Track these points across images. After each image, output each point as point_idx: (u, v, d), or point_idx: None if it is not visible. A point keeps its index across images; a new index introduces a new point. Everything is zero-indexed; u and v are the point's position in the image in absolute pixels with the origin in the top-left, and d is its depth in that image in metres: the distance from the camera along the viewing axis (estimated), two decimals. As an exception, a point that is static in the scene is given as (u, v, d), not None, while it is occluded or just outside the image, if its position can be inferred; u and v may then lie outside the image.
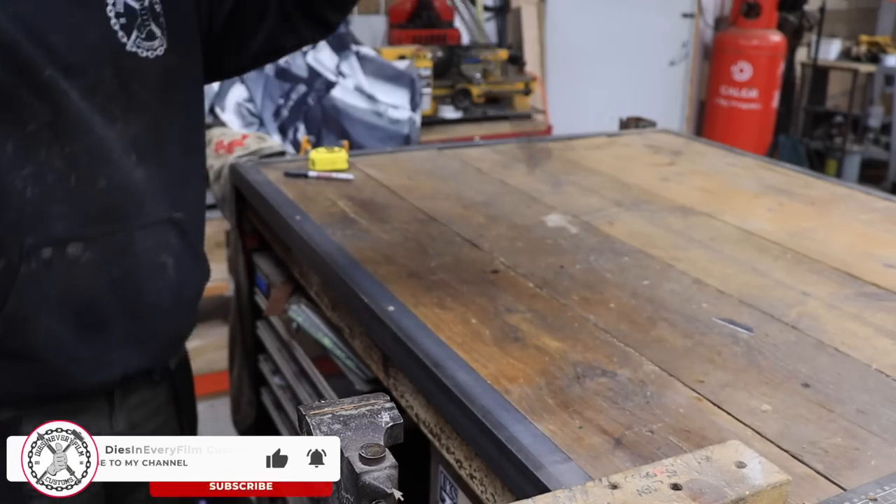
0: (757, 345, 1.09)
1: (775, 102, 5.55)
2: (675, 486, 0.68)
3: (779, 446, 0.87)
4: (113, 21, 1.07)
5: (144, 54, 1.10)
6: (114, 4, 1.07)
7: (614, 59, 5.24)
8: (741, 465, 0.71)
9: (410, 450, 0.77)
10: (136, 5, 1.09)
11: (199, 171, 1.29)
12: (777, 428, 0.90)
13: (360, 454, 0.61)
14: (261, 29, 1.23)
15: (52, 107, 1.03)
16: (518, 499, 0.75)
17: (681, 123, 5.71)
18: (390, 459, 0.61)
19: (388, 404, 0.69)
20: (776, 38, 5.38)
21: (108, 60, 1.07)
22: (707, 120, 5.71)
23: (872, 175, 5.61)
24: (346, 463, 0.61)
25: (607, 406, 0.94)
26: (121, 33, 1.07)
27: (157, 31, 1.11)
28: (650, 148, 2.18)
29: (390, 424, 0.67)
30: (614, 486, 0.68)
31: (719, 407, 0.95)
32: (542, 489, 0.78)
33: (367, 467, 0.60)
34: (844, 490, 0.80)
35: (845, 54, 5.94)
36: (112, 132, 1.08)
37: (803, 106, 5.99)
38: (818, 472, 0.83)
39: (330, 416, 0.67)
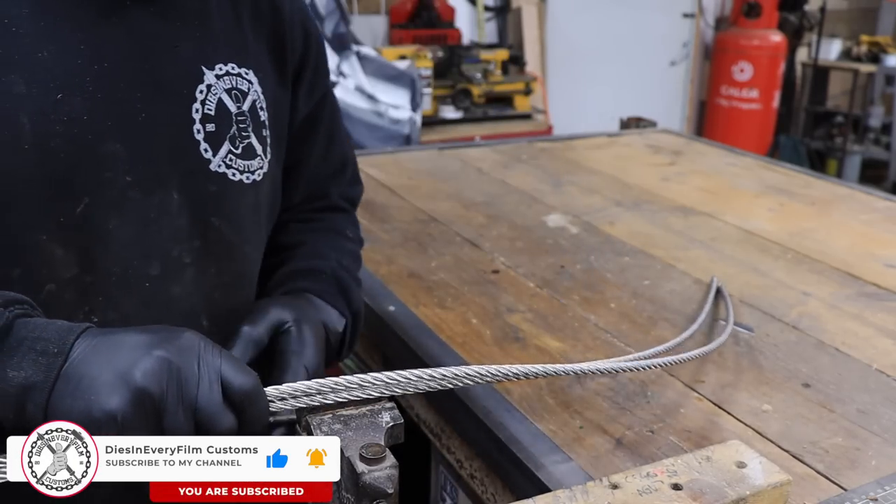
0: (758, 345, 1.09)
1: (776, 102, 5.54)
2: (676, 486, 0.68)
3: (779, 446, 0.87)
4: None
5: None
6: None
7: (615, 59, 5.24)
8: (742, 465, 0.71)
9: (411, 450, 0.77)
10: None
11: None
12: (778, 428, 0.90)
13: (360, 454, 0.61)
14: None
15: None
16: (518, 499, 0.74)
17: (681, 123, 5.71)
18: (391, 459, 0.61)
19: (389, 404, 0.69)
20: (777, 38, 5.37)
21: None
22: (707, 120, 5.70)
23: (873, 175, 5.60)
24: (346, 463, 0.61)
25: (608, 406, 0.94)
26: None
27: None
28: (651, 148, 2.18)
29: (391, 424, 0.67)
30: (615, 486, 0.68)
31: (720, 407, 0.95)
32: (543, 489, 0.78)
33: (367, 467, 0.60)
34: (845, 490, 0.80)
35: (846, 54, 5.93)
36: None
37: (804, 106, 5.98)
38: (819, 472, 0.83)
39: (330, 416, 0.67)
